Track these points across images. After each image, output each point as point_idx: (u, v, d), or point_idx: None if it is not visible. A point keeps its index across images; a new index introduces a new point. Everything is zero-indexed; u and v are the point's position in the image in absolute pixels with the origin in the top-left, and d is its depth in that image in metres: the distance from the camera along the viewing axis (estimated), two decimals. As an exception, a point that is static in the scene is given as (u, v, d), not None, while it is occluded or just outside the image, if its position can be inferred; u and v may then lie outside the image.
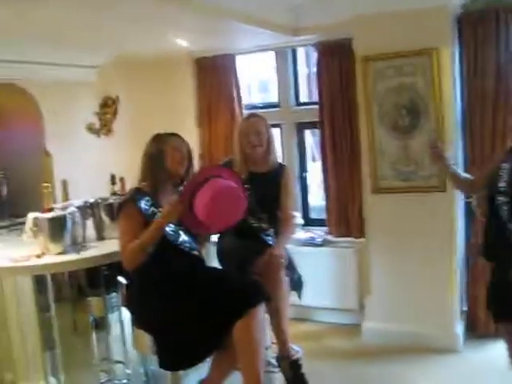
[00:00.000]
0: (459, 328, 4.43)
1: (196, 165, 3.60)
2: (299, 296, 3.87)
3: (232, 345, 2.95)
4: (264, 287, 3.10)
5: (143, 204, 3.02)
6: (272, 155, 3.78)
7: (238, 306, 2.93)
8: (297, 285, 3.82)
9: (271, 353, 3.99)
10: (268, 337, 3.82)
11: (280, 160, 4.05)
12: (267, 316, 3.34)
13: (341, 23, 4.51)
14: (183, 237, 3.14)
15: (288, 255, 3.81)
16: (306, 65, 6.14)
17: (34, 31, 3.87)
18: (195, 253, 3.19)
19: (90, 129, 5.25)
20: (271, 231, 3.75)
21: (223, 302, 2.94)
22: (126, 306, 3.38)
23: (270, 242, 3.70)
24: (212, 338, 2.96)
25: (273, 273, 3.38)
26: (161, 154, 3.13)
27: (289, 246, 3.95)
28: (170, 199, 3.07)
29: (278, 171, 3.77)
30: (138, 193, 3.09)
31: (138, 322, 3.16)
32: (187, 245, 3.15)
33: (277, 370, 3.61)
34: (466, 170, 4.43)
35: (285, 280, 3.47)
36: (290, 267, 3.78)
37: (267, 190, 3.70)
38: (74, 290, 3.66)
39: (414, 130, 4.32)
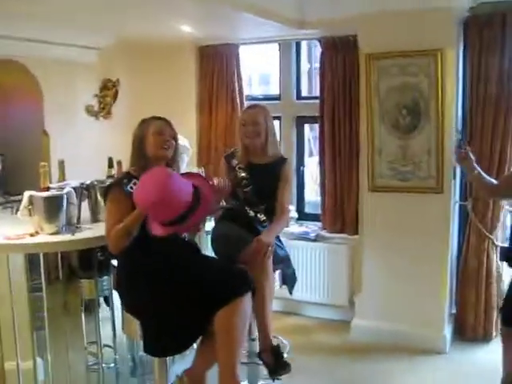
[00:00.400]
0: (447, 330, 4.45)
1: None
2: (290, 291, 3.87)
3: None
4: (251, 278, 3.08)
5: (130, 188, 2.99)
6: (271, 146, 3.72)
7: (223, 293, 2.91)
8: (289, 279, 3.81)
9: (257, 345, 4.01)
10: (255, 328, 3.83)
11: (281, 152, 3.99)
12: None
13: (346, 19, 4.50)
14: None
15: (284, 249, 3.81)
16: (308, 60, 6.13)
17: (36, 9, 3.84)
18: (184, 237, 3.18)
19: (89, 111, 5.22)
20: (268, 223, 3.74)
21: (209, 289, 2.91)
22: (115, 289, 3.37)
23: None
24: (197, 325, 2.94)
25: (260, 261, 3.35)
26: (141, 140, 3.11)
27: (284, 240, 3.96)
28: None
29: (278, 164, 3.74)
30: (126, 176, 3.07)
31: (125, 305, 3.15)
32: None
33: (261, 362, 3.60)
34: (464, 174, 4.47)
35: (271, 269, 3.44)
36: (285, 260, 3.77)
37: (266, 182, 3.68)
38: (66, 271, 3.63)
39: (413, 131, 4.33)
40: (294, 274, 3.87)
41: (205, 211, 2.99)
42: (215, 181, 3.44)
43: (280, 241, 3.85)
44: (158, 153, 3.11)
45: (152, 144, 3.09)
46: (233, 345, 2.90)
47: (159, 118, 3.20)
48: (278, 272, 3.76)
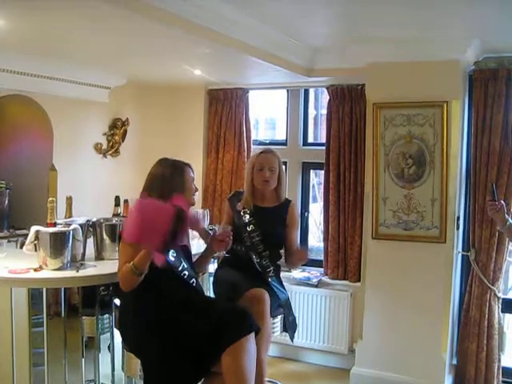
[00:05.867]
0: (448, 381, 4.40)
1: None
2: (291, 338, 3.85)
3: (221, 373, 2.91)
4: (253, 318, 3.08)
5: None
6: (281, 192, 3.80)
7: (227, 334, 2.90)
8: (290, 325, 3.80)
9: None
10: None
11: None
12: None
13: (354, 69, 4.57)
14: (184, 264, 3.15)
15: (285, 293, 3.80)
16: (314, 106, 6.22)
17: (53, 48, 3.95)
18: (192, 281, 3.19)
19: (97, 149, 5.26)
20: (272, 269, 3.73)
21: (213, 330, 2.91)
22: (117, 328, 3.36)
23: (269, 280, 3.69)
24: (201, 366, 2.93)
25: (256, 308, 3.34)
26: (182, 186, 3.16)
27: (286, 285, 3.95)
28: None
29: (284, 207, 3.78)
30: None
31: (127, 345, 3.15)
32: (186, 272, 3.15)
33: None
34: (467, 224, 4.49)
35: (268, 315, 3.43)
36: (286, 305, 3.77)
37: (272, 227, 3.70)
38: (67, 307, 3.62)
39: (418, 180, 4.36)
40: (295, 320, 3.86)
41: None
42: (218, 230, 3.46)
43: (282, 285, 3.85)
44: (190, 199, 3.20)
45: (188, 191, 3.17)
46: (241, 382, 2.87)
47: (186, 164, 3.26)
48: (280, 317, 3.76)
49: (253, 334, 2.97)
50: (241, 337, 2.89)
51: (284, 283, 3.91)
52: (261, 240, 3.68)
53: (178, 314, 3.01)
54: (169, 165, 3.22)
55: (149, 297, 3.01)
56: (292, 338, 3.85)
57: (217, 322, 2.94)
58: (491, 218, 3.89)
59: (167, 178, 3.15)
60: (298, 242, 3.95)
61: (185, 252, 3.25)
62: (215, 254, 3.75)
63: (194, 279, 3.21)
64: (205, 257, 3.54)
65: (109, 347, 3.67)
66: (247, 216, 3.73)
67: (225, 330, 2.91)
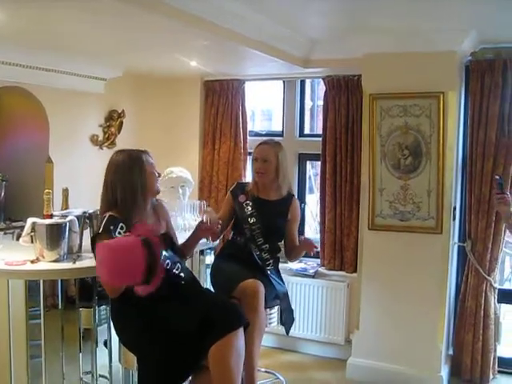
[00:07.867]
0: (444, 371, 4.42)
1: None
2: (287, 331, 3.85)
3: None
4: (244, 313, 3.08)
5: (118, 233, 2.96)
6: (281, 184, 3.76)
7: (216, 328, 2.89)
8: (287, 318, 3.80)
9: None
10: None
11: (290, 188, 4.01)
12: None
13: (351, 60, 4.57)
14: (164, 253, 3.03)
15: (283, 286, 3.81)
16: (311, 97, 6.22)
17: (49, 39, 3.92)
18: (178, 267, 3.13)
19: (94, 141, 5.25)
20: (271, 262, 3.74)
21: (202, 324, 2.90)
22: (112, 319, 3.36)
23: (268, 272, 3.70)
24: (191, 360, 2.93)
25: (250, 300, 3.36)
26: (143, 180, 3.06)
27: (283, 276, 3.96)
28: None
29: (286, 201, 3.78)
30: (112, 222, 2.99)
31: (120, 339, 3.17)
32: (169, 261, 3.06)
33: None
34: (463, 215, 4.50)
35: (262, 308, 3.43)
36: (284, 298, 3.77)
37: (273, 220, 3.71)
38: (64, 299, 3.61)
39: (414, 171, 4.36)
40: (292, 313, 3.85)
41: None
42: (204, 218, 3.41)
43: (280, 277, 3.86)
44: (157, 190, 3.13)
45: (151, 182, 3.08)
46: (228, 379, 2.88)
47: (143, 152, 3.16)
48: (277, 308, 3.76)
49: (241, 330, 2.95)
50: (227, 332, 2.88)
51: (281, 274, 3.92)
52: (261, 232, 3.68)
53: (165, 308, 2.98)
54: (126, 159, 3.11)
55: (133, 296, 2.89)
56: (288, 332, 3.85)
57: (206, 315, 2.92)
58: (496, 210, 3.90)
59: (126, 169, 3.08)
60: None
61: (164, 240, 3.10)
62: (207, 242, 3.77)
63: (178, 264, 3.14)
64: (191, 243, 3.48)
65: (105, 343, 3.66)
66: (249, 208, 3.73)
67: (213, 324, 2.89)
